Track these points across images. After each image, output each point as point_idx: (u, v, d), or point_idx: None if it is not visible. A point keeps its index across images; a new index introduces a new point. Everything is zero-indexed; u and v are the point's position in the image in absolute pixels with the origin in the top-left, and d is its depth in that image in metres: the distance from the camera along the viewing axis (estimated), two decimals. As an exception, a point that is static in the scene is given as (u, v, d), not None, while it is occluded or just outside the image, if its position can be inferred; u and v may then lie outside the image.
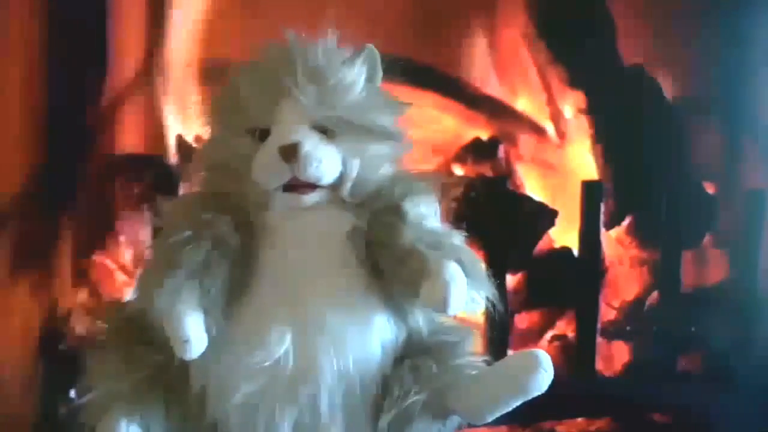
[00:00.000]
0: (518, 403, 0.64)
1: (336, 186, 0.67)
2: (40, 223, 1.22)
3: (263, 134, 0.67)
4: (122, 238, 1.27)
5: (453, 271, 0.62)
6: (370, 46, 0.70)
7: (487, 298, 0.66)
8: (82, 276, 1.26)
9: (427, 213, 0.67)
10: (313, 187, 0.66)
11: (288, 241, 0.66)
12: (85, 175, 1.26)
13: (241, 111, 0.68)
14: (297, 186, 0.66)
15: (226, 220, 0.65)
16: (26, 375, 1.18)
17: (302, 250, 0.66)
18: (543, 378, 0.63)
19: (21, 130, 1.21)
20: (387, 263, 0.65)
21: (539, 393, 0.63)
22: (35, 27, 1.20)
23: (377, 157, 0.68)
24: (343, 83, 0.67)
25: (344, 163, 0.66)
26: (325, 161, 0.65)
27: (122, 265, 1.26)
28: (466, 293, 0.62)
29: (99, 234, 1.28)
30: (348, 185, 0.67)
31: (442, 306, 0.61)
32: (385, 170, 0.69)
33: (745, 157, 1.45)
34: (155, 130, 1.31)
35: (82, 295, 1.24)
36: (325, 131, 0.67)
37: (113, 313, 0.72)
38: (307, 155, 0.64)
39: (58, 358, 1.14)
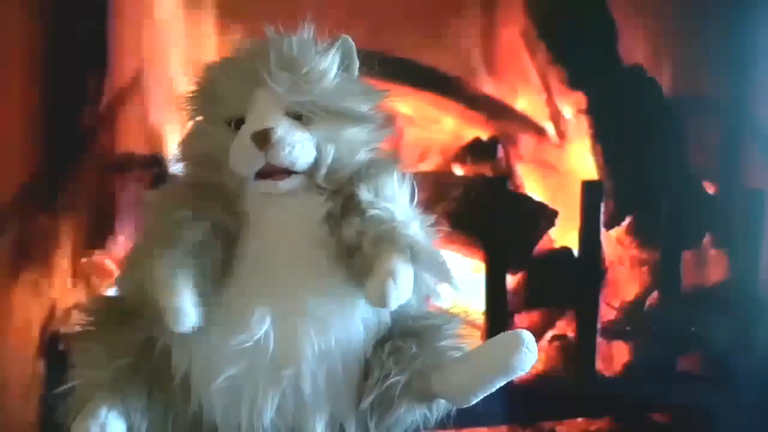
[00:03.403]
0: (502, 383, 0.64)
1: (311, 172, 0.67)
2: (40, 223, 1.22)
3: (239, 123, 0.67)
4: (122, 238, 1.27)
5: (393, 267, 0.61)
6: (345, 36, 0.71)
7: (445, 283, 0.66)
8: (82, 276, 1.26)
9: (383, 196, 0.67)
10: (287, 172, 0.66)
11: (267, 226, 0.67)
12: (85, 174, 1.26)
13: (218, 101, 0.69)
14: (272, 172, 0.66)
15: (222, 205, 0.66)
16: (26, 375, 1.18)
17: (281, 235, 0.66)
18: (526, 357, 0.63)
19: (21, 130, 1.21)
20: (341, 253, 0.65)
21: (523, 373, 0.63)
22: (35, 27, 1.20)
23: (352, 143, 0.68)
24: (317, 70, 0.67)
25: (319, 149, 0.67)
26: (298, 146, 0.65)
27: (122, 265, 1.26)
28: (409, 286, 0.62)
29: (99, 234, 1.28)
30: (323, 171, 0.67)
31: (381, 304, 0.61)
32: (361, 156, 0.69)
33: (745, 157, 1.46)
34: (155, 130, 1.31)
35: (82, 295, 1.24)
36: (300, 117, 0.67)
37: (96, 303, 0.73)
38: (279, 140, 0.64)
39: (58, 358, 1.14)
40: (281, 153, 0.65)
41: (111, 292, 0.70)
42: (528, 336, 0.63)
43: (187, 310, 0.61)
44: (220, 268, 0.65)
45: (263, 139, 0.64)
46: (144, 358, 0.66)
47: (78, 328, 0.71)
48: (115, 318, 0.68)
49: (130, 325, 0.66)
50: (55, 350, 1.17)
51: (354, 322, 0.66)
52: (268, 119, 0.66)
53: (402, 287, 0.61)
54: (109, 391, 0.65)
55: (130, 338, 0.67)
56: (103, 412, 0.64)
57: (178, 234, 0.64)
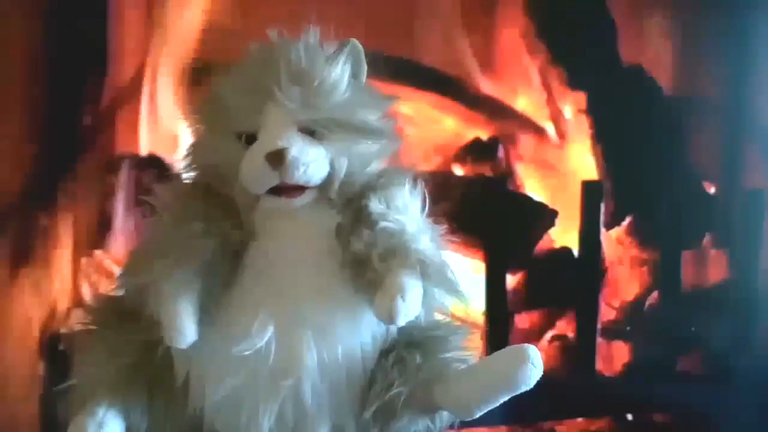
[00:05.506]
0: (506, 397, 0.63)
1: (324, 186, 0.66)
2: (40, 223, 1.22)
3: (250, 138, 0.67)
4: (122, 238, 1.27)
5: (402, 284, 0.61)
6: (353, 40, 0.69)
7: (454, 296, 0.66)
8: (82, 276, 1.26)
9: (394, 207, 0.66)
10: (301, 189, 0.66)
11: (274, 237, 0.66)
12: (85, 174, 1.26)
13: (227, 115, 0.67)
14: (285, 189, 0.66)
15: (230, 216, 0.66)
16: (26, 375, 1.19)
17: (288, 246, 0.66)
18: (531, 372, 0.62)
19: (21, 130, 1.21)
20: (350, 265, 0.65)
21: (527, 388, 0.62)
22: (35, 27, 1.20)
23: (365, 155, 0.68)
24: (328, 83, 0.66)
25: (332, 164, 0.66)
26: (312, 165, 0.65)
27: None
28: (418, 302, 0.62)
29: (99, 234, 1.28)
30: (336, 185, 0.66)
31: (389, 320, 0.61)
32: (373, 167, 0.68)
33: (745, 157, 1.46)
34: (155, 130, 1.31)
35: (82, 295, 1.24)
36: (312, 133, 0.66)
37: (98, 303, 0.73)
38: (294, 160, 0.64)
39: (58, 358, 1.14)
40: (296, 173, 0.64)
41: (114, 291, 0.70)
42: (534, 351, 0.63)
43: (186, 331, 0.61)
44: (224, 283, 0.64)
45: (278, 159, 0.64)
46: (146, 359, 0.66)
47: (80, 327, 0.71)
48: (117, 318, 0.68)
49: (132, 326, 0.66)
50: (55, 350, 1.17)
51: (361, 333, 0.65)
52: (281, 138, 0.65)
53: (410, 304, 0.61)
54: (109, 390, 0.65)
55: (132, 338, 0.66)
56: (101, 410, 0.64)
57: (188, 250, 0.63)
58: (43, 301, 1.22)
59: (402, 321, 0.61)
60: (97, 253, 1.27)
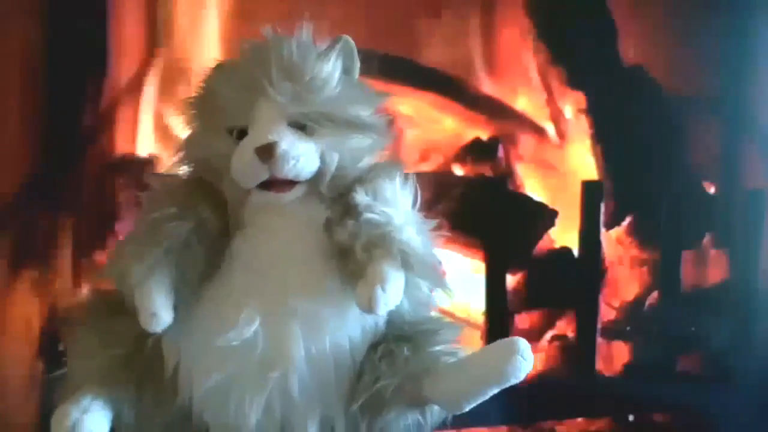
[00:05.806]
0: (495, 391, 0.63)
1: (315, 180, 0.67)
2: (40, 223, 1.22)
3: (241, 133, 0.67)
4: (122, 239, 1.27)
5: (382, 273, 0.62)
6: (346, 37, 0.70)
7: (438, 288, 0.67)
8: (82, 276, 1.26)
9: (382, 199, 0.66)
10: (291, 184, 0.66)
11: (264, 230, 0.67)
12: (85, 174, 1.26)
13: (219, 110, 0.68)
14: (275, 183, 0.66)
15: (210, 204, 0.66)
16: (26, 375, 1.19)
17: (277, 240, 0.67)
18: (521, 365, 0.62)
19: (21, 130, 1.21)
20: (336, 256, 0.66)
21: (517, 381, 0.63)
22: (35, 27, 1.20)
23: (356, 150, 0.68)
24: (319, 78, 0.67)
25: (322, 158, 0.67)
26: (302, 159, 0.65)
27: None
28: (398, 293, 0.63)
29: (99, 234, 1.28)
30: (326, 179, 0.67)
31: (369, 309, 0.62)
32: (364, 163, 0.69)
33: (745, 157, 1.45)
34: (155, 130, 1.31)
35: (83, 295, 1.24)
36: (303, 127, 0.67)
37: (91, 297, 0.73)
38: (283, 154, 0.64)
39: (58, 358, 1.14)
40: (286, 167, 0.65)
41: (100, 286, 0.71)
42: (523, 344, 0.63)
43: (159, 312, 0.62)
44: (201, 267, 0.65)
45: (268, 153, 0.64)
46: (137, 350, 0.67)
47: (74, 321, 0.71)
48: (109, 311, 0.69)
49: (123, 318, 0.67)
50: (55, 350, 1.17)
51: (349, 325, 0.66)
52: (271, 132, 0.65)
53: (391, 294, 0.62)
54: (97, 381, 0.66)
55: (123, 330, 0.67)
56: (87, 400, 0.65)
57: (156, 233, 0.64)
58: (43, 301, 1.22)
59: (382, 311, 0.62)
60: (97, 253, 1.27)
